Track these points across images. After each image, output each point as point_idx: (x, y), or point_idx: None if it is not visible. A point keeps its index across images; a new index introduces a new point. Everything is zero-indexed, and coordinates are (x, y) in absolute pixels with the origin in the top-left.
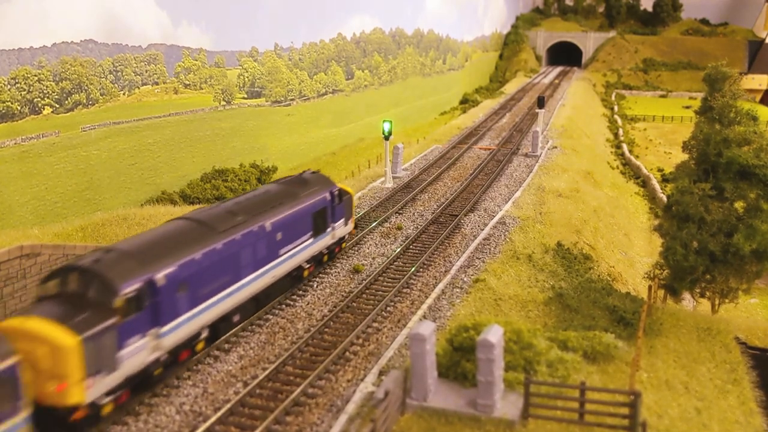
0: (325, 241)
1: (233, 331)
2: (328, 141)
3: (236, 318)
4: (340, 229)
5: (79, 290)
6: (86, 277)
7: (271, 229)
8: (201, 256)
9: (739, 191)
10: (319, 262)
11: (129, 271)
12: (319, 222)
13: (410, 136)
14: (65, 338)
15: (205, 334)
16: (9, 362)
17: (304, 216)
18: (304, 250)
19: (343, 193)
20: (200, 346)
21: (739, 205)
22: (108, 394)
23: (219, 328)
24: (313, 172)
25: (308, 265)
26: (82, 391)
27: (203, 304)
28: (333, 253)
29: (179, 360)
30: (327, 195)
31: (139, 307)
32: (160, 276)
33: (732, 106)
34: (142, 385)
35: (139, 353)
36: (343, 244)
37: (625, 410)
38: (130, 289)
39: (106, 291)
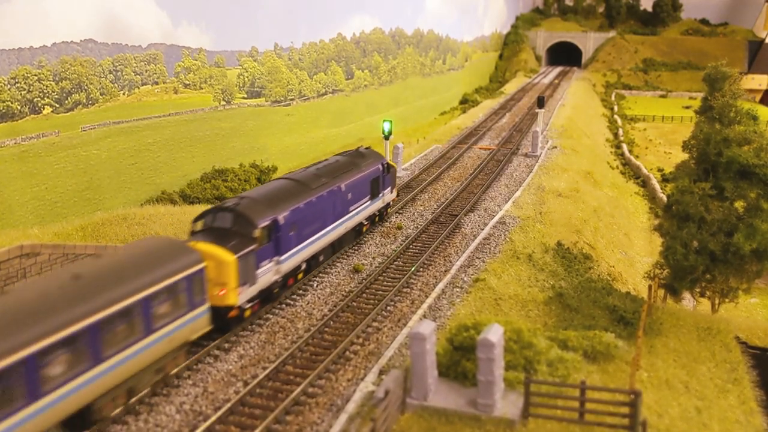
0: (378, 204)
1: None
2: (328, 141)
3: (321, 258)
4: (388, 195)
5: (227, 225)
6: (232, 215)
7: (345, 189)
8: (303, 206)
9: (740, 191)
10: (373, 221)
11: (261, 211)
12: (374, 187)
13: (410, 136)
14: (227, 256)
15: (303, 267)
16: (200, 266)
17: (364, 182)
18: (364, 209)
19: (390, 165)
20: (300, 276)
21: (739, 204)
22: (249, 301)
23: (311, 264)
24: (367, 148)
25: (366, 223)
26: (236, 295)
27: (304, 243)
28: (382, 215)
29: (287, 284)
30: (379, 166)
31: (269, 239)
32: (281, 217)
33: (732, 106)
34: (266, 300)
35: (267, 273)
36: (389, 209)
37: (625, 409)
38: (264, 224)
39: (248, 225)
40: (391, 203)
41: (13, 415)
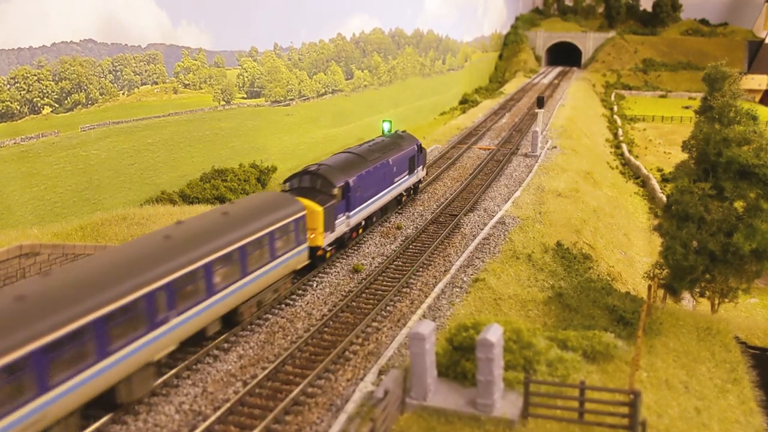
0: (413, 178)
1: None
2: (327, 141)
3: (374, 219)
4: (421, 172)
5: (312, 185)
6: (316, 177)
7: (391, 163)
8: (365, 173)
9: (739, 191)
10: (409, 194)
11: (337, 175)
12: (411, 164)
13: None
14: (316, 207)
15: (362, 224)
16: (303, 213)
17: (404, 159)
18: (404, 182)
19: (422, 147)
20: (360, 231)
21: (738, 204)
22: (329, 245)
23: (367, 222)
24: (404, 131)
25: (404, 194)
26: (322, 239)
27: (364, 204)
28: (416, 188)
29: (352, 236)
30: (415, 147)
31: (342, 197)
32: (351, 180)
33: (732, 106)
34: (340, 246)
35: (341, 225)
36: (420, 185)
37: (624, 409)
38: (339, 185)
39: (328, 185)
40: (422, 179)
41: (201, 303)
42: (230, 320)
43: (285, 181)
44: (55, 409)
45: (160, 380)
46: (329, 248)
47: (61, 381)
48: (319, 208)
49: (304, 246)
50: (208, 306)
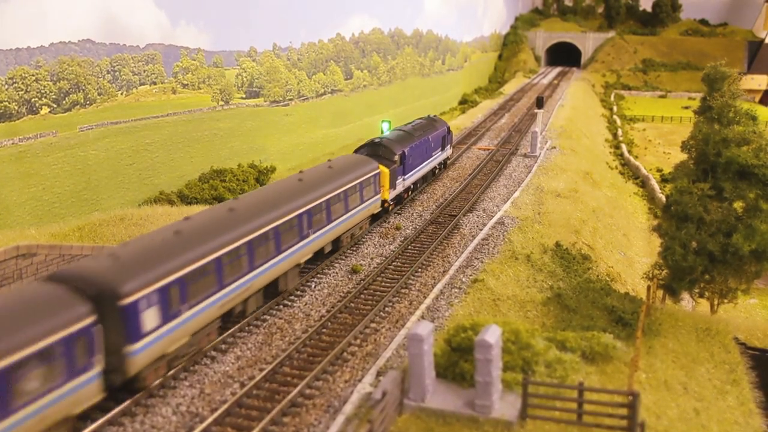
0: (444, 155)
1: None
2: (327, 141)
3: (418, 185)
4: (449, 150)
5: (378, 153)
6: (381, 147)
7: (430, 140)
8: (414, 146)
9: (738, 191)
10: (441, 167)
11: (396, 146)
12: (443, 142)
13: None
14: (385, 169)
15: (411, 188)
16: (379, 170)
17: (438, 137)
18: (438, 156)
19: (450, 129)
20: (409, 193)
21: (738, 205)
22: (392, 200)
23: (414, 187)
24: (436, 116)
25: (439, 167)
26: (388, 193)
27: (414, 170)
28: (446, 164)
29: (404, 197)
30: (445, 128)
31: (400, 163)
32: (406, 150)
33: (731, 106)
34: (398, 202)
35: (399, 185)
36: (448, 161)
37: (623, 411)
38: (399, 153)
39: (391, 153)
40: (449, 157)
41: (324, 228)
42: (336, 245)
43: (356, 150)
44: (257, 283)
45: (156, 382)
46: (391, 202)
47: (259, 264)
48: (387, 170)
49: (379, 196)
50: (328, 230)
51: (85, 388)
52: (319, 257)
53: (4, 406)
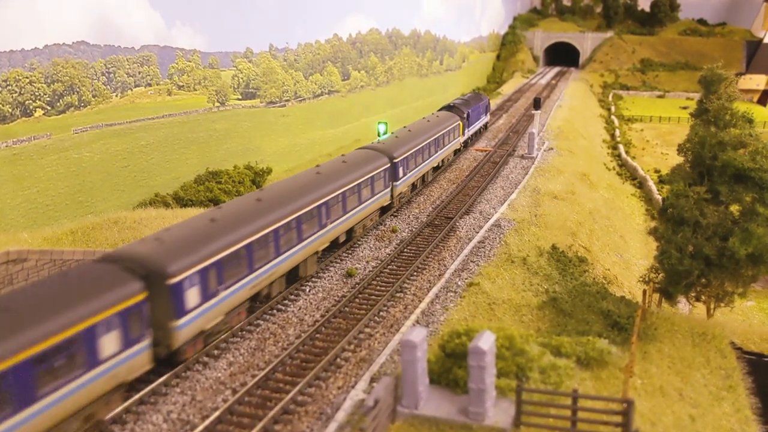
0: (486, 119)
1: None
2: (324, 142)
3: (473, 138)
4: (488, 116)
5: (453, 111)
6: (455, 107)
7: (480, 106)
8: (471, 110)
9: (735, 194)
10: (484, 128)
11: (463, 108)
12: (486, 110)
13: None
14: (461, 121)
15: (470, 139)
16: (459, 122)
17: (483, 105)
18: (483, 120)
19: (489, 100)
20: (468, 142)
21: (734, 208)
22: (461, 144)
23: (472, 139)
24: (480, 91)
25: (484, 127)
26: (462, 138)
27: (471, 126)
28: (486, 126)
29: (466, 144)
30: (486, 100)
31: (467, 119)
32: (469, 111)
33: (727, 109)
34: (465, 146)
35: (465, 133)
36: (488, 124)
37: (618, 418)
38: (466, 112)
39: (461, 112)
40: (489, 122)
41: (321, 230)
42: (349, 235)
43: (439, 109)
44: (281, 268)
45: (148, 388)
46: (462, 145)
47: (284, 251)
48: (461, 122)
49: (459, 140)
50: (342, 221)
51: (137, 357)
52: (335, 246)
53: (83, 363)
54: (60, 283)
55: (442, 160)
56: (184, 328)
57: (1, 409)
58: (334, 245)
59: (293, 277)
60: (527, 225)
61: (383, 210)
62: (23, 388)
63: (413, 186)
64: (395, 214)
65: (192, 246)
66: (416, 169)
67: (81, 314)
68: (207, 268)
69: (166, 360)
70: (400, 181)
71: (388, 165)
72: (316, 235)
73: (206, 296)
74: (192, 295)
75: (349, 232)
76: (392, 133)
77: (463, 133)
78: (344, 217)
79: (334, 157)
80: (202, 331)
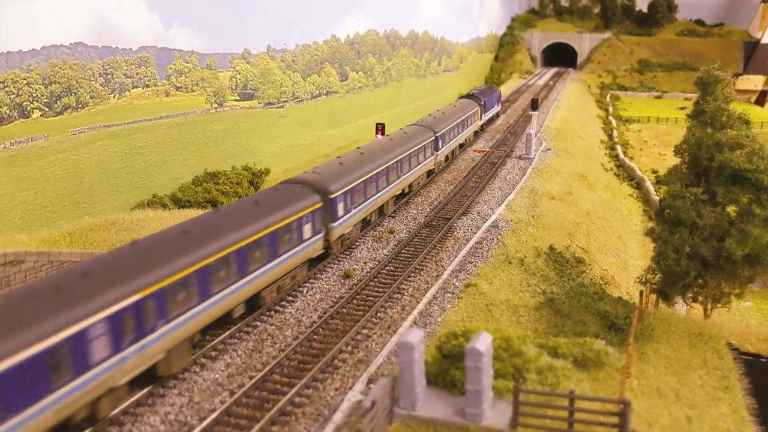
0: (497, 109)
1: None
2: (322, 143)
3: (487, 124)
4: (499, 106)
5: (472, 98)
6: (473, 96)
7: (493, 96)
8: (487, 99)
9: (732, 195)
10: (497, 116)
11: (480, 97)
12: (498, 100)
13: None
14: (479, 108)
15: (485, 125)
16: (477, 108)
17: (495, 98)
18: (495, 109)
19: (500, 92)
20: (485, 126)
21: (731, 209)
22: (480, 126)
23: (486, 124)
24: (494, 83)
25: (496, 115)
26: (479, 122)
27: (486, 113)
28: (498, 115)
29: (483, 128)
30: (498, 92)
31: (483, 107)
32: (485, 100)
33: (724, 110)
34: (481, 129)
35: (483, 118)
36: (500, 113)
37: (614, 419)
38: (483, 101)
39: (479, 100)
40: (500, 112)
41: (398, 179)
42: (409, 188)
43: (459, 98)
44: (379, 202)
45: (146, 389)
46: (480, 128)
47: (381, 189)
48: (479, 108)
49: (477, 123)
50: (406, 177)
51: (317, 243)
52: (402, 196)
53: (298, 239)
54: (278, 193)
55: (466, 138)
56: (336, 229)
57: (261, 257)
58: (401, 196)
59: (380, 213)
60: (525, 226)
61: (428, 173)
62: (273, 244)
63: (447, 157)
64: (393, 215)
65: (338, 177)
66: (450, 142)
67: (296, 209)
68: (348, 192)
69: (325, 252)
70: (440, 151)
71: (433, 138)
72: (393, 184)
73: (347, 210)
74: (341, 208)
75: (409, 187)
76: (430, 114)
77: (481, 118)
78: (407, 174)
79: (311, 166)
80: (342, 235)
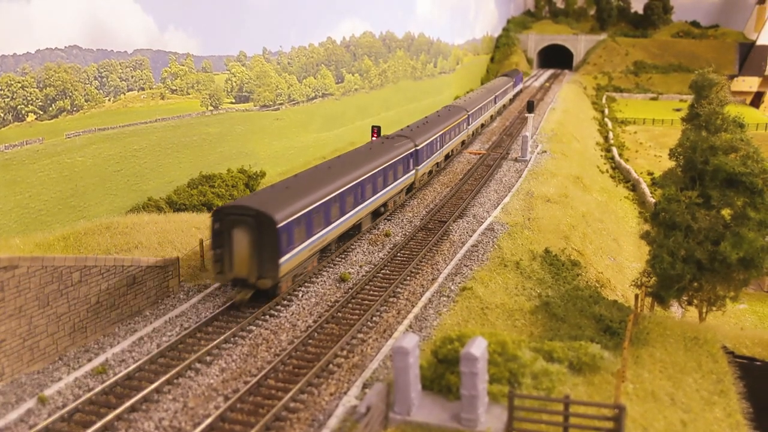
0: (520, 86)
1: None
2: (318, 145)
3: (507, 105)
4: (522, 85)
5: (508, 77)
6: (507, 76)
7: (519, 79)
8: (511, 84)
9: (726, 199)
10: (518, 93)
11: (512, 75)
12: (520, 80)
13: None
14: (510, 85)
15: (503, 106)
16: (511, 83)
17: (519, 79)
18: (519, 87)
19: (522, 76)
20: (503, 108)
21: (726, 212)
22: (503, 106)
23: (504, 107)
24: (516, 69)
25: (520, 92)
26: (505, 102)
27: (505, 96)
28: (518, 94)
29: (501, 112)
30: (521, 74)
31: (515, 82)
32: (516, 77)
33: (719, 114)
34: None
35: (510, 94)
36: (522, 90)
37: (609, 424)
38: (514, 79)
39: (511, 78)
40: (522, 89)
41: (459, 134)
42: (461, 146)
43: (496, 76)
44: (446, 150)
45: (152, 386)
46: (513, 97)
47: (449, 140)
48: (512, 83)
49: (510, 93)
50: (461, 135)
51: (410, 177)
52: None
53: (405, 169)
54: (384, 142)
55: (504, 105)
56: (420, 170)
57: (384, 181)
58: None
59: (448, 158)
60: (520, 228)
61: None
62: (389, 174)
63: (487, 119)
64: (389, 218)
65: (423, 132)
66: (487, 111)
67: (400, 152)
68: (426, 146)
69: (412, 185)
70: (472, 125)
71: (465, 116)
72: (446, 146)
73: (426, 157)
74: (422, 155)
75: (461, 144)
76: (472, 90)
77: (513, 90)
78: (455, 138)
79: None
80: (423, 174)
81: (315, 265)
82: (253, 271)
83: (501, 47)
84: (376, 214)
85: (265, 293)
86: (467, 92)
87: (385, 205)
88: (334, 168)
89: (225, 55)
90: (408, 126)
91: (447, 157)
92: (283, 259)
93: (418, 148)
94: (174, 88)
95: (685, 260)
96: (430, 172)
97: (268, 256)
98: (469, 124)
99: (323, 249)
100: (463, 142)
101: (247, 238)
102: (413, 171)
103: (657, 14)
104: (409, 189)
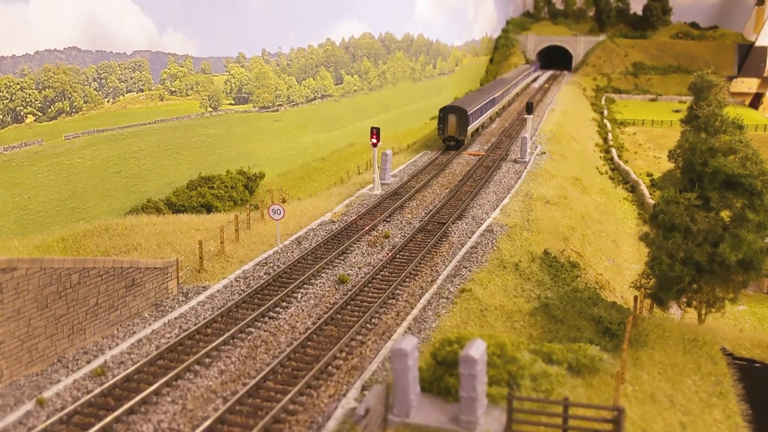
0: (538, 72)
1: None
2: (317, 146)
3: (535, 78)
4: (538, 72)
5: (530, 64)
6: (529, 63)
7: (537, 66)
8: (536, 66)
9: (725, 201)
10: (538, 76)
11: (533, 62)
12: (538, 68)
13: (401, 140)
14: (529, 67)
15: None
16: (531, 68)
17: (536, 68)
18: (537, 72)
19: (538, 64)
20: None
21: (725, 214)
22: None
23: (534, 80)
24: (534, 59)
25: (538, 76)
26: (532, 76)
27: (534, 74)
28: (536, 78)
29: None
30: (538, 63)
31: (533, 69)
32: (533, 67)
33: (718, 115)
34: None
35: (531, 77)
36: (539, 77)
37: (608, 426)
38: (534, 66)
39: (532, 66)
40: (539, 75)
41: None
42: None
43: (519, 65)
44: (504, 104)
45: (150, 389)
46: (533, 79)
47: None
48: (531, 67)
49: (531, 76)
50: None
51: (499, 106)
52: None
53: (497, 101)
54: (498, 84)
55: (530, 82)
56: (498, 106)
57: (500, 98)
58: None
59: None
60: (519, 230)
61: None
62: (501, 96)
63: (523, 86)
64: (387, 219)
65: (500, 87)
66: (523, 82)
67: (497, 94)
68: (500, 94)
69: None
70: (514, 90)
71: (513, 83)
72: (505, 98)
73: (498, 101)
74: (497, 100)
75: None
76: (502, 74)
77: (534, 74)
78: (507, 96)
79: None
80: (503, 106)
81: (478, 131)
82: (456, 132)
83: (500, 48)
84: (493, 118)
85: (461, 142)
86: (501, 75)
87: (498, 113)
88: (483, 91)
89: (224, 57)
90: (489, 83)
91: (503, 108)
92: (469, 128)
93: (495, 96)
94: (173, 89)
95: (684, 262)
96: (498, 112)
97: (463, 126)
98: (515, 88)
99: (480, 126)
100: (509, 101)
101: (455, 118)
102: (499, 104)
103: (656, 15)
104: (498, 115)
